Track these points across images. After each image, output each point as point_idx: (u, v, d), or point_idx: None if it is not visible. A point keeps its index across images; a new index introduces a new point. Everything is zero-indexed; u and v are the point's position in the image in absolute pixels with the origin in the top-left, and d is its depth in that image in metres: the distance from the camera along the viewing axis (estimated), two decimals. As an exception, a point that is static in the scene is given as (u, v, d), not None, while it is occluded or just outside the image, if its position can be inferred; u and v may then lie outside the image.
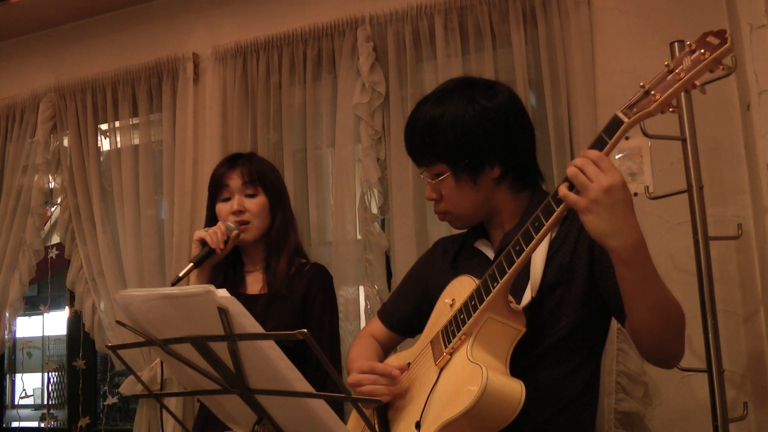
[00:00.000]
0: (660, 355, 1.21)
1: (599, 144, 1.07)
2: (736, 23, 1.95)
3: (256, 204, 1.89)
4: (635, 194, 1.87)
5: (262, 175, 1.91)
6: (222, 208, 1.90)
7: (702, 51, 1.00)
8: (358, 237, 2.43)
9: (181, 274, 1.74)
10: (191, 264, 1.78)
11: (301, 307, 1.86)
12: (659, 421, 2.05)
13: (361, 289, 2.40)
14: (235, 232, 1.85)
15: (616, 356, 2.01)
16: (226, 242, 1.83)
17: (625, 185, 1.04)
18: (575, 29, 2.21)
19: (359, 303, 2.41)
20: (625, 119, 1.05)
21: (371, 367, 1.31)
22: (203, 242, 1.82)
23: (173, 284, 1.72)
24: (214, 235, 1.81)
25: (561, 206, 1.09)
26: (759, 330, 1.94)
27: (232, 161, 1.94)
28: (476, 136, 1.30)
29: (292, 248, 1.93)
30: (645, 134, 1.84)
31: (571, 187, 1.07)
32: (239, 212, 1.88)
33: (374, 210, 2.41)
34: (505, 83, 1.42)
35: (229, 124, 2.64)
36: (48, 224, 3.06)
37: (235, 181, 1.90)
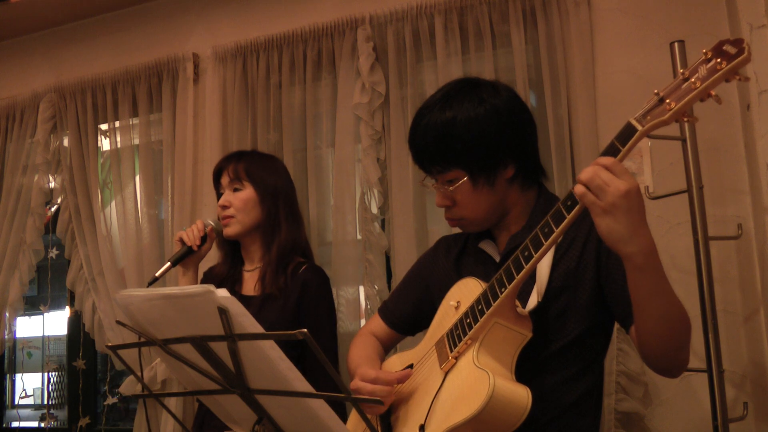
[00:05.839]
0: (665, 364, 1.20)
1: (612, 151, 1.05)
2: (736, 23, 1.95)
3: (239, 198, 1.91)
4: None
5: (249, 171, 1.92)
6: (219, 202, 1.95)
7: (718, 60, 0.97)
8: (358, 237, 2.43)
9: (157, 274, 1.76)
10: (168, 263, 1.81)
11: (296, 311, 1.84)
12: (659, 421, 2.05)
13: (361, 289, 2.40)
14: (210, 228, 1.88)
15: (616, 356, 2.01)
16: (204, 239, 1.86)
17: (639, 191, 1.03)
18: (575, 29, 2.21)
19: (359, 303, 2.41)
20: (639, 127, 1.04)
21: (375, 377, 1.29)
22: (182, 241, 1.85)
23: (150, 284, 1.74)
24: (190, 233, 1.85)
25: (572, 212, 1.07)
26: (759, 330, 1.94)
27: (227, 158, 1.99)
28: (491, 136, 1.28)
29: (284, 243, 1.89)
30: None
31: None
32: (225, 207, 1.91)
33: (374, 210, 2.41)
34: (504, 83, 1.42)
35: (229, 124, 2.64)
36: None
37: (224, 177, 1.95)
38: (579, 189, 1.05)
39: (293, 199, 2.01)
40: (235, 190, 1.92)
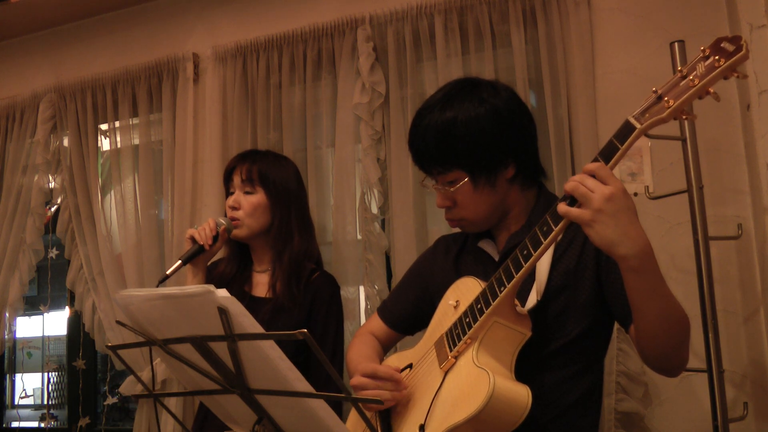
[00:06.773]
0: (664, 364, 1.20)
1: (610, 149, 1.05)
2: (736, 23, 1.95)
3: (249, 202, 1.89)
4: (635, 194, 1.87)
5: (263, 175, 1.90)
6: (227, 201, 1.93)
7: (716, 57, 0.97)
8: (358, 237, 2.43)
9: (168, 272, 1.74)
10: (179, 261, 1.78)
11: (306, 320, 1.84)
12: (659, 421, 2.05)
13: (361, 288, 2.40)
14: (223, 227, 1.85)
15: (616, 356, 2.01)
16: (216, 238, 1.83)
17: (626, 192, 1.03)
18: (575, 29, 2.21)
19: (359, 303, 2.41)
20: (638, 125, 1.04)
21: (374, 371, 1.29)
22: (193, 239, 1.83)
23: (160, 282, 1.72)
24: (203, 232, 1.82)
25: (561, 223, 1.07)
26: (759, 330, 1.94)
27: (241, 156, 1.96)
28: (491, 136, 1.28)
29: (296, 254, 1.89)
30: (645, 134, 1.84)
31: (572, 204, 1.05)
32: (234, 208, 1.89)
33: (374, 210, 2.41)
34: (504, 83, 1.42)
35: (229, 124, 2.64)
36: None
37: (237, 177, 1.92)
38: (562, 207, 1.05)
39: (305, 206, 1.99)
40: (246, 192, 1.90)
